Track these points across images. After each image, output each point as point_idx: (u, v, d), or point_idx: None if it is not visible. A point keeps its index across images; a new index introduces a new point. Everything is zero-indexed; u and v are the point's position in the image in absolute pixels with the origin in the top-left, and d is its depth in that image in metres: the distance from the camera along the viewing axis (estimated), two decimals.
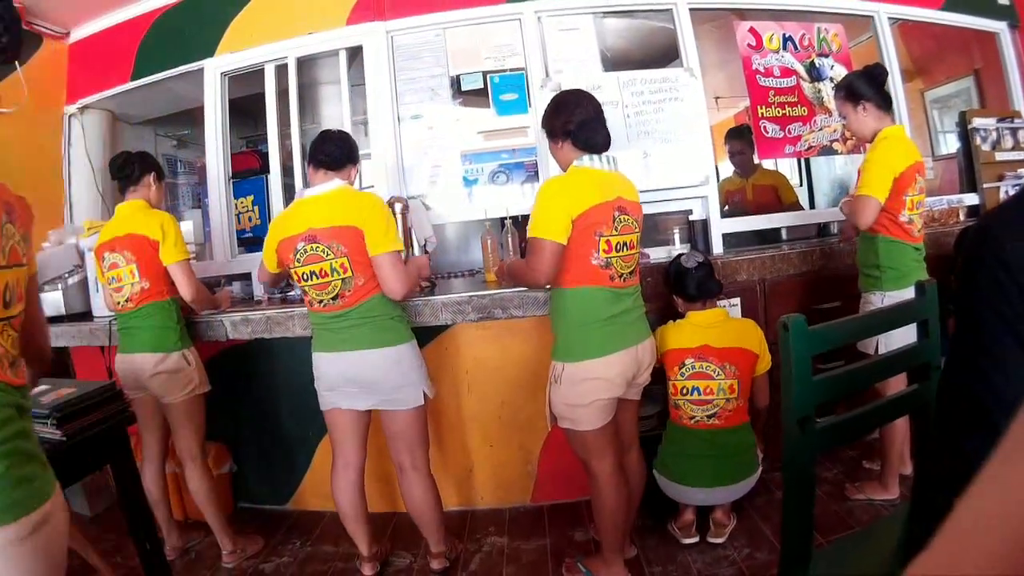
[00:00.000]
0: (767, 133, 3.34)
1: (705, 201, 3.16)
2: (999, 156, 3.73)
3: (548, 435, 2.76)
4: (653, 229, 3.11)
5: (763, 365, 2.40)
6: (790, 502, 1.22)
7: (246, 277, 3.40)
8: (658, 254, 2.98)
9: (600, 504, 2.09)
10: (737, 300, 2.72)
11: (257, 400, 3.00)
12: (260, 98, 3.48)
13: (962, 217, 3.65)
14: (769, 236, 3.47)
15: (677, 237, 3.09)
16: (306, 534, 2.82)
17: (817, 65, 3.46)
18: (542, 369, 2.13)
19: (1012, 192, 3.42)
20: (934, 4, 3.85)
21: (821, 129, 3.42)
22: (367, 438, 2.32)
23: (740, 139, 3.85)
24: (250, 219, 3.61)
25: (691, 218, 3.15)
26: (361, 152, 3.52)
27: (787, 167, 4.32)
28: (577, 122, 1.99)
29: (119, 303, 2.45)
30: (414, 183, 3.22)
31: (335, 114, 3.56)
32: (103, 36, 3.73)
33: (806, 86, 3.43)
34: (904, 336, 1.65)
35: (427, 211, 3.09)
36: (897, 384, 1.99)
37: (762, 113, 3.33)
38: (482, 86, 3.23)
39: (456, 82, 3.24)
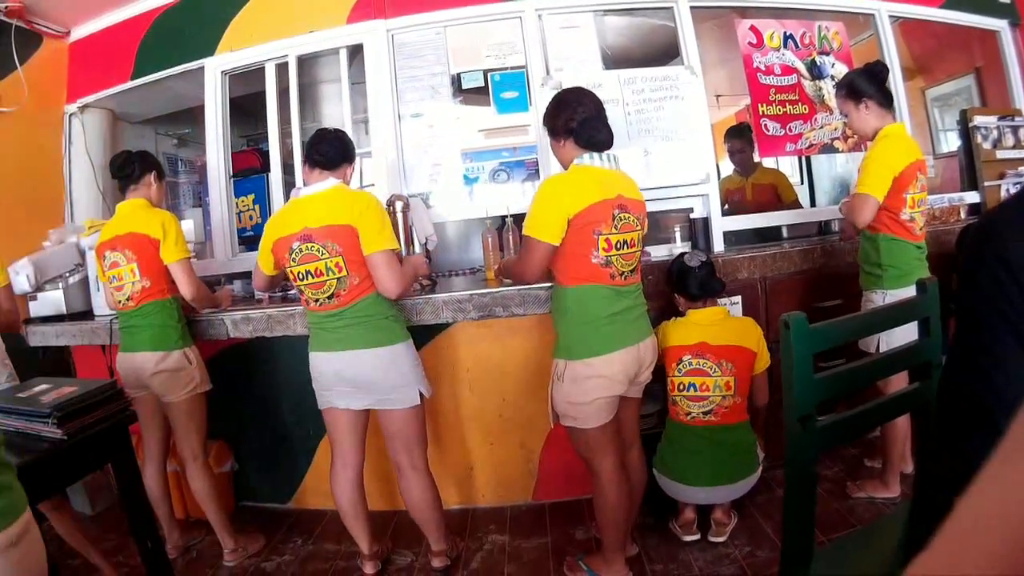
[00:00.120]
0: (768, 131, 3.33)
1: (706, 199, 3.16)
2: (1000, 154, 3.73)
3: (549, 433, 2.76)
4: (654, 227, 3.09)
5: (761, 364, 2.40)
6: (791, 500, 1.22)
7: (247, 276, 3.40)
8: (659, 252, 2.98)
9: (602, 502, 2.09)
10: (738, 298, 2.72)
11: (258, 399, 3.01)
12: (261, 97, 3.48)
13: (963, 215, 3.65)
14: (770, 234, 3.47)
15: (678, 235, 3.09)
16: (307, 532, 2.82)
17: (818, 63, 3.46)
18: (543, 367, 2.13)
19: (1013, 190, 3.42)
20: (935, 2, 3.85)
21: (822, 127, 3.42)
22: (365, 437, 2.33)
23: (740, 137, 3.84)
24: (251, 218, 3.61)
25: (692, 216, 3.14)
26: (362, 151, 3.53)
27: (788, 165, 4.31)
28: (579, 120, 1.99)
29: (120, 302, 2.46)
30: (415, 181, 3.22)
31: (336, 112, 3.56)
32: (103, 35, 3.73)
33: (807, 84, 3.42)
34: (905, 334, 1.65)
35: (428, 209, 3.09)
36: (898, 382, 1.99)
37: (763, 111, 3.33)
38: (483, 84, 3.23)
39: (457, 80, 3.24)
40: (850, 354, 1.76)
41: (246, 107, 3.91)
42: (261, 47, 3.42)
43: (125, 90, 3.69)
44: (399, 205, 2.70)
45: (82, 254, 3.08)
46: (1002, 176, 3.69)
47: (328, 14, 3.34)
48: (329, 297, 2.09)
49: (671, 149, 3.13)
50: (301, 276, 2.10)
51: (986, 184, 3.67)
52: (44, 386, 1.78)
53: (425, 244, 2.90)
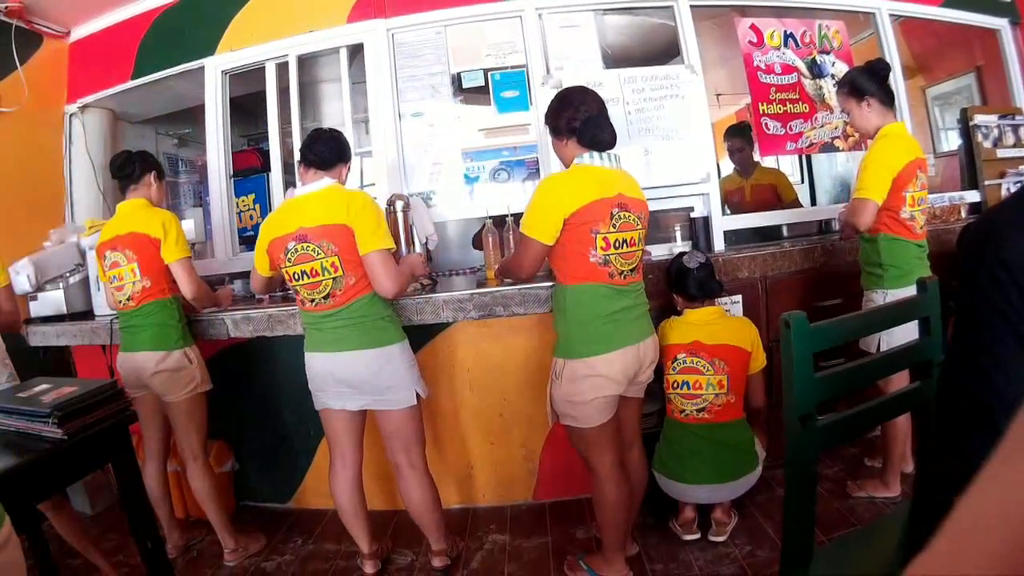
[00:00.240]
0: (768, 130, 3.33)
1: (706, 198, 3.16)
2: (1000, 153, 3.73)
3: (549, 433, 2.76)
4: (654, 226, 3.09)
5: (756, 363, 2.41)
6: (791, 499, 1.21)
7: (247, 275, 3.37)
8: (659, 251, 2.98)
9: (601, 501, 2.09)
10: (739, 297, 2.72)
11: (259, 398, 3.01)
12: (261, 96, 3.48)
13: (964, 214, 3.65)
14: (770, 233, 3.47)
15: (678, 234, 3.09)
16: (308, 532, 2.82)
17: (818, 62, 3.45)
18: (544, 367, 2.13)
19: (1014, 189, 3.42)
20: (935, 1, 3.84)
21: (822, 126, 3.41)
22: (363, 437, 2.33)
23: (739, 136, 3.84)
24: (251, 217, 3.61)
25: (692, 215, 3.14)
26: (362, 150, 3.55)
27: (788, 164, 4.31)
28: (582, 120, 1.98)
29: (120, 302, 2.46)
30: (415, 181, 3.22)
31: (336, 112, 3.56)
32: (103, 35, 3.73)
33: (807, 83, 3.42)
34: (905, 334, 1.65)
35: (428, 209, 3.09)
36: (899, 381, 1.98)
37: (763, 110, 3.33)
38: (483, 83, 3.23)
39: (457, 79, 3.24)
40: (850, 354, 1.76)
41: (246, 107, 3.91)
42: (261, 47, 3.42)
43: (125, 90, 3.69)
44: (399, 204, 2.70)
45: (82, 254, 3.08)
46: (1003, 175, 3.69)
47: (328, 14, 3.34)
48: (325, 297, 2.09)
49: (671, 148, 3.13)
50: (296, 276, 2.10)
51: (987, 183, 3.67)
52: (44, 386, 1.78)
53: (426, 244, 2.90)
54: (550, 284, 2.33)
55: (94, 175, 3.70)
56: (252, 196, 3.62)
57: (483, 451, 2.86)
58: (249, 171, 3.67)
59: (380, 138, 3.24)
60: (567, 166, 2.07)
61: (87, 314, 3.07)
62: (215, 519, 2.58)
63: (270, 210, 3.47)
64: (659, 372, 2.25)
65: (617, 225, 1.94)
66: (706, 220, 3.11)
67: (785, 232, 3.49)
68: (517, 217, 2.87)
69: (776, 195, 3.78)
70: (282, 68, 3.43)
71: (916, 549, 0.37)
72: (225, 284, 3.23)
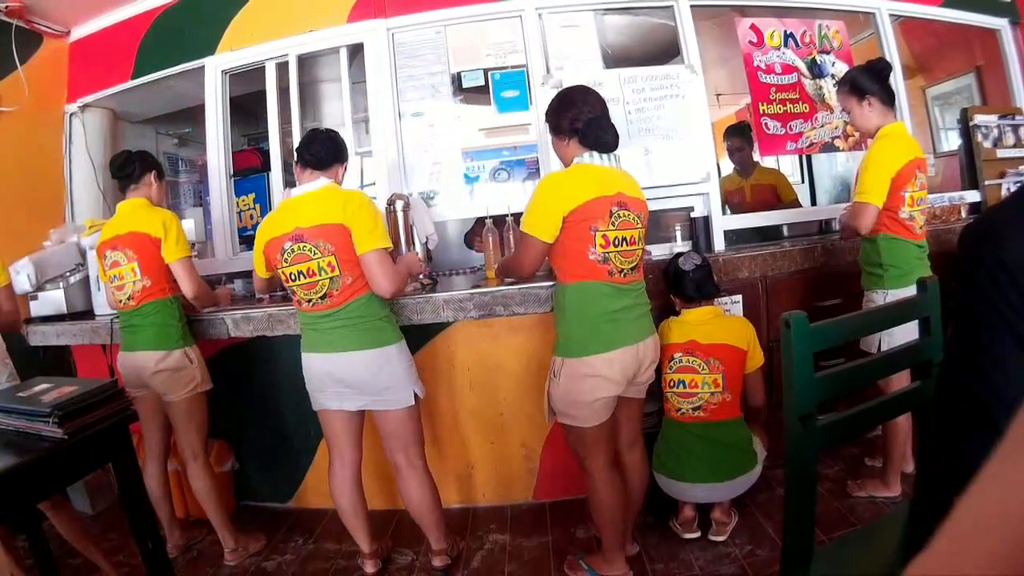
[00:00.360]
0: (768, 130, 3.33)
1: (707, 198, 3.16)
2: (1000, 153, 3.73)
3: (549, 432, 2.76)
4: (654, 226, 3.10)
5: (753, 362, 2.42)
6: (792, 499, 1.22)
7: (247, 275, 3.39)
8: (659, 251, 2.99)
9: (596, 500, 2.09)
10: (739, 297, 2.72)
11: (259, 398, 3.01)
12: (261, 96, 3.48)
13: (964, 214, 3.65)
14: (771, 233, 3.47)
15: (679, 234, 3.09)
16: (308, 532, 2.82)
17: (818, 62, 3.45)
18: (544, 366, 2.13)
19: (1014, 189, 3.42)
20: (935, 1, 3.84)
21: (823, 126, 3.41)
22: (362, 437, 2.33)
23: (738, 136, 3.84)
24: (251, 217, 3.61)
25: (692, 215, 3.14)
26: (362, 149, 3.55)
27: (789, 164, 4.32)
28: (585, 121, 1.99)
29: (121, 301, 2.46)
30: (415, 181, 3.22)
31: (336, 111, 3.57)
32: (104, 35, 3.73)
33: (807, 83, 3.42)
34: (905, 334, 1.65)
35: (429, 208, 3.09)
36: (899, 381, 1.98)
37: (763, 110, 3.33)
38: (483, 83, 3.23)
39: (457, 79, 3.24)
40: (850, 354, 1.76)
41: (246, 106, 3.91)
42: (261, 46, 3.42)
43: (125, 89, 3.69)
44: (399, 204, 2.70)
45: (83, 253, 3.08)
46: (1003, 175, 3.69)
47: (328, 13, 3.34)
48: (322, 297, 2.08)
49: (672, 148, 3.13)
50: (293, 276, 2.10)
51: (987, 183, 3.67)
52: (45, 385, 1.78)
53: (426, 243, 2.90)
54: (550, 284, 2.33)
55: (94, 175, 3.70)
56: (252, 196, 3.62)
57: (483, 451, 2.86)
58: (249, 171, 3.67)
59: (380, 138, 3.24)
60: (566, 165, 2.07)
61: (87, 313, 3.07)
62: (215, 519, 2.58)
63: (270, 209, 3.48)
64: (658, 371, 2.25)
65: (616, 223, 1.94)
66: (706, 220, 3.11)
67: (785, 232, 3.49)
68: (517, 217, 2.88)
69: (776, 195, 3.78)
70: (282, 68, 3.43)
71: (916, 549, 0.37)
72: (223, 284, 3.24)
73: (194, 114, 3.95)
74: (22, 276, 2.91)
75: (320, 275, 2.06)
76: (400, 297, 2.42)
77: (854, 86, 2.40)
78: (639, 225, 2.01)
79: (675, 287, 2.47)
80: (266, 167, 3.62)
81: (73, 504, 2.76)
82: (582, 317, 1.96)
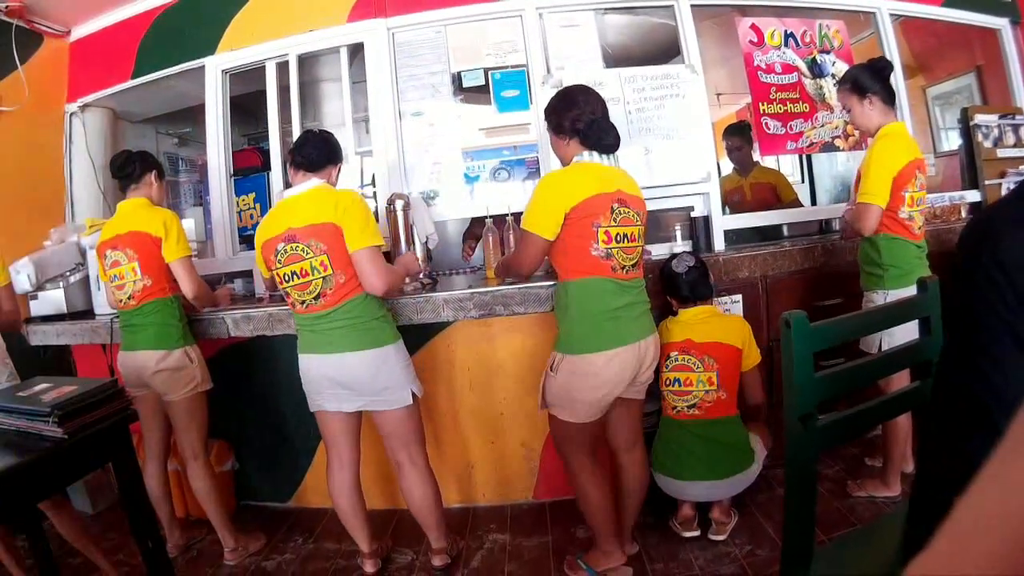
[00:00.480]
0: (769, 130, 3.33)
1: (707, 198, 3.15)
2: (1001, 153, 3.73)
3: (550, 431, 2.76)
4: (655, 226, 3.11)
5: (750, 361, 2.43)
6: (792, 499, 1.22)
7: (247, 274, 3.41)
8: (659, 251, 2.99)
9: (583, 496, 2.12)
10: (739, 297, 2.72)
11: (259, 398, 3.01)
12: (261, 95, 3.48)
13: (964, 214, 3.65)
14: (771, 233, 3.47)
15: (679, 234, 3.09)
16: (308, 531, 2.82)
17: (819, 61, 3.45)
18: (544, 366, 2.13)
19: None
20: (936, 1, 3.84)
21: (823, 125, 3.41)
22: (360, 437, 2.32)
23: (737, 135, 3.84)
24: (251, 216, 3.60)
25: (692, 215, 3.14)
26: (362, 149, 3.55)
27: (789, 164, 4.31)
28: (586, 122, 2.00)
29: (121, 301, 2.46)
30: (415, 180, 3.22)
31: (336, 111, 3.57)
32: (104, 34, 3.73)
33: (808, 83, 3.42)
34: (905, 334, 1.65)
35: (428, 208, 3.09)
36: (899, 381, 1.98)
37: (764, 110, 3.32)
38: (483, 83, 3.22)
39: (457, 79, 3.24)
40: (850, 354, 1.76)
41: (247, 106, 3.91)
42: (261, 46, 3.42)
43: (126, 89, 3.69)
44: (399, 204, 2.70)
45: (83, 253, 3.08)
46: (1003, 175, 3.69)
47: (328, 13, 3.34)
48: (315, 298, 2.08)
49: (672, 147, 3.13)
50: (287, 277, 2.10)
51: (987, 183, 3.66)
52: (45, 385, 1.78)
53: (426, 243, 2.90)
54: (551, 283, 2.33)
55: (94, 174, 3.70)
56: (252, 195, 3.62)
57: (483, 450, 2.86)
58: (249, 170, 3.67)
59: (380, 137, 3.24)
60: (564, 164, 2.07)
61: (87, 313, 3.07)
62: (215, 518, 2.58)
63: (270, 209, 3.48)
64: (656, 371, 2.26)
65: (617, 220, 1.95)
66: (706, 220, 3.11)
67: (785, 232, 3.49)
68: (517, 217, 2.88)
69: (775, 194, 3.78)
70: (282, 67, 3.43)
71: (914, 549, 0.37)
72: (223, 284, 3.24)
73: (194, 114, 3.96)
74: (22, 276, 2.91)
75: (313, 275, 2.06)
76: (397, 296, 2.42)
77: (855, 84, 2.39)
78: (639, 222, 2.02)
79: (670, 289, 2.48)
80: (266, 167, 3.61)
81: (73, 504, 2.77)
82: (584, 314, 1.96)
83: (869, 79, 2.37)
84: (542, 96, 3.04)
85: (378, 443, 2.34)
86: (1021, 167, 3.70)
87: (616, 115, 2.79)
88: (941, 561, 0.36)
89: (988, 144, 3.71)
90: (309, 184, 2.14)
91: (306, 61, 3.49)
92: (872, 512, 2.42)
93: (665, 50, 3.60)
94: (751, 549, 2.29)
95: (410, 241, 2.75)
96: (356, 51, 3.37)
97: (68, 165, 3.74)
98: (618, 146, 2.03)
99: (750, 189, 3.82)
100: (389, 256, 2.75)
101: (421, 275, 2.70)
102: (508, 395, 2.79)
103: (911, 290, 1.47)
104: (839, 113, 3.30)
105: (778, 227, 3.49)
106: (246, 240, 3.55)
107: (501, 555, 2.49)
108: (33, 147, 3.56)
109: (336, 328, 2.09)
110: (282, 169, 3.47)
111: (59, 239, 3.18)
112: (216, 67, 3.48)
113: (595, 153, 2.00)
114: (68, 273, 3.10)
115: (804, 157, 4.19)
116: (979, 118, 3.70)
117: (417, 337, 2.67)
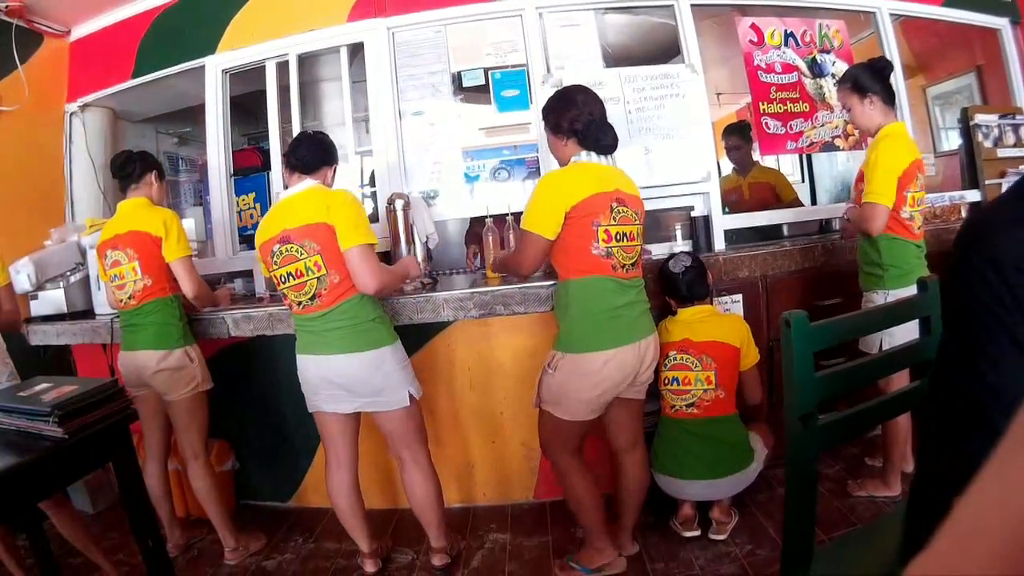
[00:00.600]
0: (769, 129, 3.33)
1: (707, 197, 3.15)
2: (1001, 152, 3.73)
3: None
4: (654, 226, 3.11)
5: (748, 360, 2.44)
6: (792, 498, 1.22)
7: (247, 274, 3.41)
8: (659, 250, 2.99)
9: (573, 495, 2.14)
10: (739, 296, 2.72)
11: (259, 397, 3.01)
12: (261, 95, 3.48)
13: (964, 214, 3.65)
14: (771, 232, 3.47)
15: (679, 234, 3.09)
16: (308, 531, 2.82)
17: (819, 61, 3.45)
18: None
19: None
20: (936, 0, 3.84)
21: (823, 125, 3.41)
22: (358, 438, 2.33)
23: (736, 134, 3.84)
24: (252, 216, 3.60)
25: (692, 214, 3.14)
26: (362, 149, 3.55)
27: (789, 163, 4.31)
28: (585, 123, 2.00)
29: (121, 300, 2.46)
30: (415, 180, 3.22)
31: (336, 111, 3.56)
32: (104, 34, 3.73)
33: (808, 82, 3.42)
34: (905, 334, 1.65)
35: (429, 208, 3.09)
36: (899, 381, 1.98)
37: (764, 109, 3.32)
38: (483, 82, 3.23)
39: (457, 78, 3.24)
40: (850, 354, 1.76)
41: (247, 105, 3.91)
42: (261, 45, 3.42)
43: (126, 89, 3.69)
44: (399, 204, 2.70)
45: (83, 253, 3.08)
46: (1003, 174, 3.69)
47: (328, 13, 3.33)
48: (311, 298, 2.08)
49: (672, 147, 3.13)
50: (283, 279, 2.11)
51: (987, 182, 3.66)
52: (45, 385, 1.78)
53: (426, 242, 2.90)
54: (551, 283, 2.34)
55: (94, 174, 3.70)
56: (252, 195, 3.62)
57: (484, 450, 2.86)
58: (249, 170, 3.67)
59: (380, 137, 3.24)
60: (562, 164, 2.08)
61: (87, 313, 3.07)
62: (216, 518, 2.58)
63: (269, 210, 3.49)
64: (656, 371, 2.26)
65: (617, 219, 1.95)
66: (706, 219, 3.11)
67: (785, 231, 3.49)
68: (517, 216, 2.88)
69: (774, 194, 3.78)
70: (282, 67, 3.43)
71: (915, 549, 0.37)
72: (223, 283, 3.24)
73: (194, 113, 3.95)
74: (22, 276, 2.91)
75: (308, 275, 2.06)
76: (395, 296, 2.42)
77: (856, 84, 2.39)
78: (637, 222, 2.03)
79: (668, 289, 2.48)
80: (266, 166, 3.61)
81: (74, 503, 2.77)
82: (585, 313, 1.96)
83: (869, 79, 2.37)
84: (542, 96, 3.04)
85: (377, 443, 2.34)
86: (1021, 167, 3.70)
87: (616, 115, 2.79)
88: (941, 561, 0.36)
89: (988, 144, 3.71)
90: (303, 185, 2.15)
91: (306, 61, 3.49)
92: (872, 512, 2.42)
93: (665, 50, 3.59)
94: (751, 549, 2.29)
95: (410, 241, 2.75)
96: (356, 51, 3.37)
97: (68, 165, 3.74)
98: (616, 147, 2.04)
99: (748, 189, 3.82)
100: (389, 256, 2.76)
101: (421, 278, 2.70)
102: (508, 395, 2.79)
103: (911, 290, 1.48)
104: (839, 113, 3.30)
105: (778, 227, 3.49)
106: (246, 240, 3.55)
107: (501, 555, 2.49)
108: (33, 147, 3.56)
109: (332, 329, 2.09)
110: (282, 168, 3.48)
111: (59, 239, 3.18)
112: (216, 67, 3.48)
113: (592, 153, 2.01)
114: (68, 273, 3.10)
115: (804, 157, 4.19)
116: (979, 118, 3.70)
117: (417, 337, 2.67)
